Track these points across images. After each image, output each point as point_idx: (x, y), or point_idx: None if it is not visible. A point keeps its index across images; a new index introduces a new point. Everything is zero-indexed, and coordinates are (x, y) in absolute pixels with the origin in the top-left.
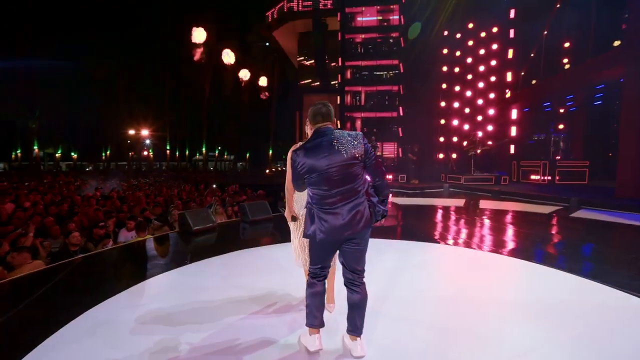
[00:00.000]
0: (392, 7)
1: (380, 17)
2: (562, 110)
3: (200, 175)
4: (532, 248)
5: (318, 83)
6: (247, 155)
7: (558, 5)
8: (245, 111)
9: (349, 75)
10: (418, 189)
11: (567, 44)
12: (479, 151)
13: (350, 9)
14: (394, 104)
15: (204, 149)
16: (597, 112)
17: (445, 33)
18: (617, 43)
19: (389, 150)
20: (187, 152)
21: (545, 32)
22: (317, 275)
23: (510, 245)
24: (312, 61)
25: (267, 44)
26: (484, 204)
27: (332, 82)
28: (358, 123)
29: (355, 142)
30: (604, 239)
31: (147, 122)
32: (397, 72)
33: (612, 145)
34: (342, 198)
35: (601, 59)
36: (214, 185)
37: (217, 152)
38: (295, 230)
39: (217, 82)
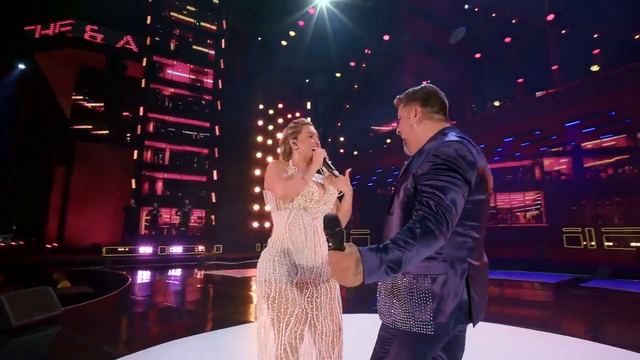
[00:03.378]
0: (206, 70)
1: (193, 77)
2: None
3: None
4: None
5: (107, 131)
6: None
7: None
8: None
9: (151, 128)
10: (239, 259)
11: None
12: None
13: (159, 58)
14: (203, 168)
15: None
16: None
17: (261, 106)
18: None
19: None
20: None
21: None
22: None
23: None
24: (98, 104)
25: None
26: None
27: (127, 134)
28: (159, 184)
29: None
30: None
31: None
32: (209, 134)
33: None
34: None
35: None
36: None
37: None
38: (275, 315)
39: None
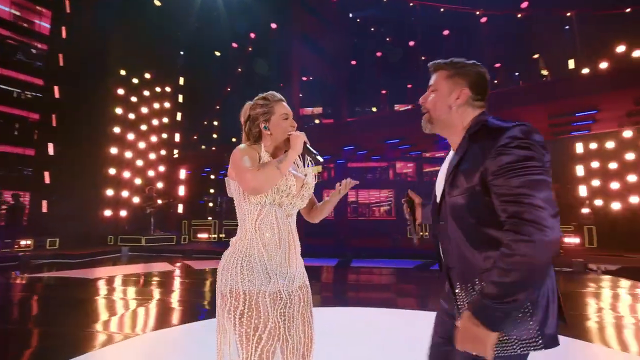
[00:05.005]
0: (40, 9)
1: (18, 13)
2: (212, 177)
3: None
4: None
5: None
6: None
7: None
8: None
9: None
10: (86, 256)
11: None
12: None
13: None
14: (30, 138)
15: None
16: None
17: (123, 72)
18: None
19: (26, 201)
20: None
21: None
22: None
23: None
24: None
25: None
26: (205, 264)
27: None
28: None
29: None
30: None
31: None
32: (42, 95)
33: None
34: None
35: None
36: None
37: None
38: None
39: None
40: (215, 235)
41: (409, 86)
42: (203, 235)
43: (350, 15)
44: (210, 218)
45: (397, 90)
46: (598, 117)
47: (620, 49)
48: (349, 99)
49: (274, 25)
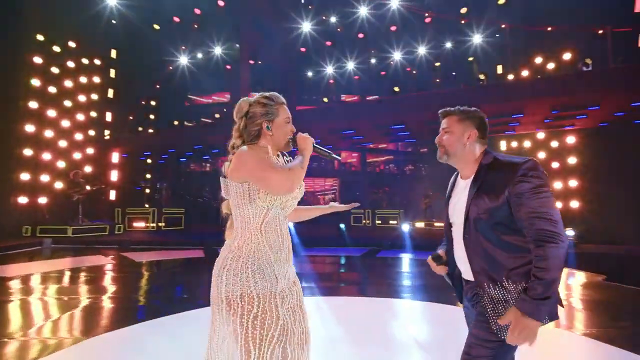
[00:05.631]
0: None
1: None
2: (148, 161)
3: None
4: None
5: None
6: None
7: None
8: None
9: None
10: None
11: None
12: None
13: None
14: None
15: None
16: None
17: (41, 37)
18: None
19: None
20: None
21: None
22: None
23: None
24: None
25: None
26: (148, 256)
27: None
28: None
29: None
30: None
31: None
32: None
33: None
34: None
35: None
36: None
37: None
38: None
39: None
40: (154, 224)
41: (356, 78)
42: (140, 224)
43: (302, 0)
44: (147, 206)
45: (346, 81)
46: (523, 121)
47: (538, 60)
48: (298, 87)
49: (221, 3)
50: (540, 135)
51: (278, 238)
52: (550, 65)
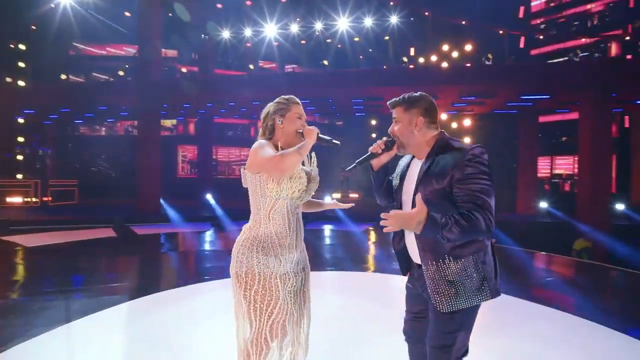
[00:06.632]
0: None
1: None
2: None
3: None
4: None
5: None
6: None
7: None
8: None
9: None
10: None
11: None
12: None
13: None
14: None
15: None
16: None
17: None
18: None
19: None
20: None
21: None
22: None
23: None
24: None
25: None
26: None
27: None
28: None
29: None
30: None
31: None
32: None
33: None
34: None
35: None
36: None
37: None
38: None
39: None
40: (37, 199)
41: (276, 44)
42: (16, 200)
43: None
44: (20, 176)
45: (265, 47)
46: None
47: (445, 47)
48: (215, 50)
49: None
50: (443, 116)
51: (284, 226)
52: (454, 54)
